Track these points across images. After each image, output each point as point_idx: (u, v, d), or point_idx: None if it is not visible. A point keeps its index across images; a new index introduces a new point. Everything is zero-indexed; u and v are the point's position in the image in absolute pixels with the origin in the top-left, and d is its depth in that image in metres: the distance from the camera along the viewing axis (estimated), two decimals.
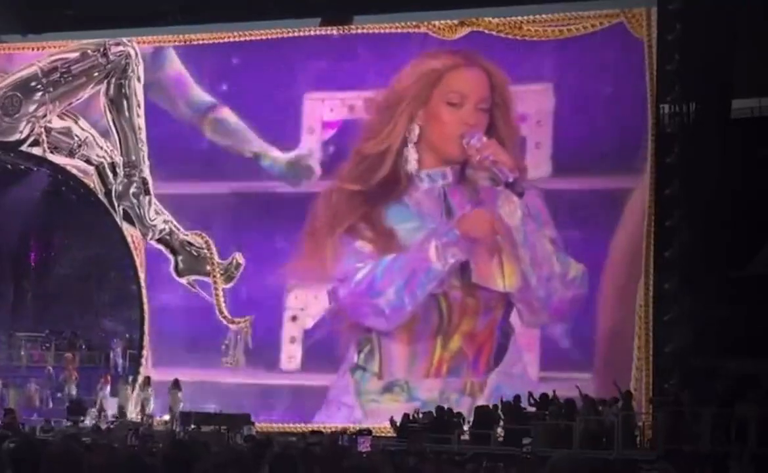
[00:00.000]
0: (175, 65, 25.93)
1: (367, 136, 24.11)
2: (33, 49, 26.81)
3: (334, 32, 25.35)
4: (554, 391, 20.45)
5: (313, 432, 19.90)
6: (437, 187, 23.58)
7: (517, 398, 20.62)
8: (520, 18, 23.65)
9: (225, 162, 25.16)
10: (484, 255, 22.92)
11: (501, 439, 19.68)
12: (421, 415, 21.58)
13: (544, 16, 23.59)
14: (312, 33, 25.43)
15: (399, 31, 24.76)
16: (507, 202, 22.65)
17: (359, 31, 25.37)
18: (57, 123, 25.96)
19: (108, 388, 24.17)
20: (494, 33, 23.83)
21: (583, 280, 22.16)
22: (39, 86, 25.87)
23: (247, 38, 25.83)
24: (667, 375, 20.61)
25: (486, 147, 22.92)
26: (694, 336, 19.91)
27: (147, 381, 24.10)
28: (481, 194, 23.26)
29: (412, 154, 23.63)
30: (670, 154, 21.64)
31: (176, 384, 23.59)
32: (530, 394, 20.68)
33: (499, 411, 20.46)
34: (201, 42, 26.15)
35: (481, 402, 21.59)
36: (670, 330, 20.67)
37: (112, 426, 22.37)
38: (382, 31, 24.89)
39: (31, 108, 25.85)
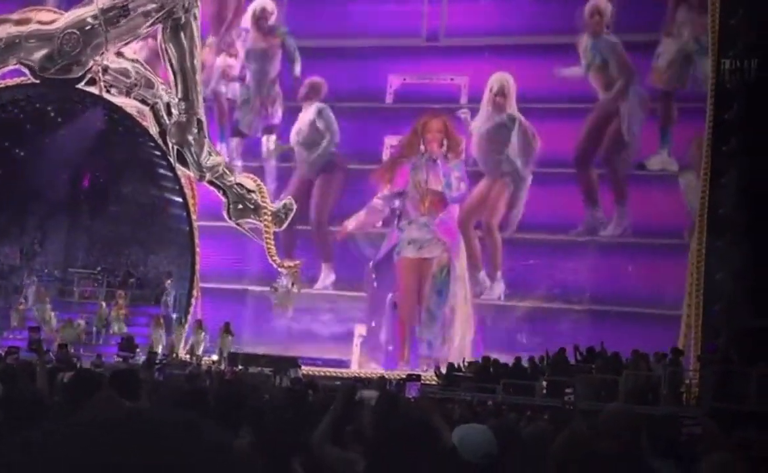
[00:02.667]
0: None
1: None
2: None
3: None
4: (602, 343, 20.35)
5: (359, 378, 20.05)
6: None
7: (563, 350, 20.57)
8: None
9: None
10: None
11: (545, 391, 19.66)
12: (467, 364, 21.66)
13: None
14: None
15: None
16: None
17: None
18: (114, 62, 26.04)
19: (161, 329, 24.41)
20: None
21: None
22: (97, 25, 25.89)
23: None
24: (716, 333, 20.48)
25: None
26: (744, 295, 19.73)
27: (199, 324, 24.33)
28: None
29: None
30: (728, 110, 21.34)
31: (227, 328, 23.80)
32: (576, 347, 20.63)
33: (545, 363, 20.46)
34: None
35: None
36: (720, 288, 20.51)
37: (162, 365, 22.64)
38: None
39: (89, 46, 25.90)
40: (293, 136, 25.80)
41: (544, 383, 19.61)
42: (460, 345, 23.74)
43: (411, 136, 24.93)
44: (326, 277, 25.20)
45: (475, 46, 24.55)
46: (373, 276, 24.81)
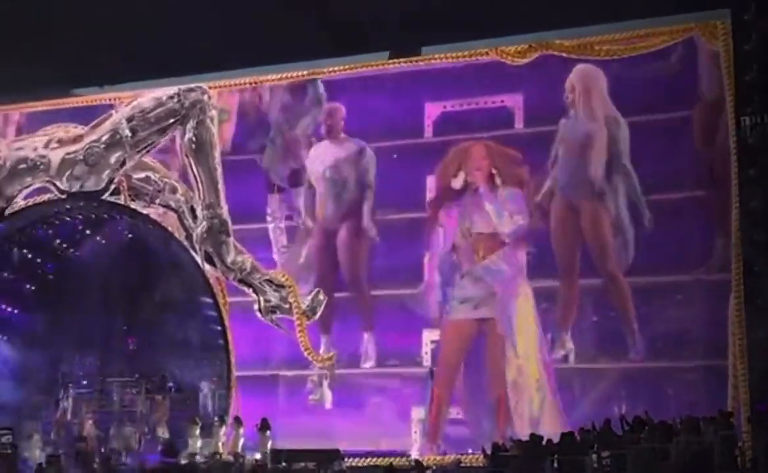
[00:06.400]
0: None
1: None
2: (110, 100, 27.43)
3: (403, 64, 25.38)
4: (646, 412, 20.15)
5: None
6: None
7: (608, 421, 20.35)
8: (590, 38, 23.60)
9: None
10: None
11: (595, 466, 19.41)
12: (512, 442, 21.45)
13: (614, 35, 23.52)
14: (381, 68, 25.55)
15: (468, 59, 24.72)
16: None
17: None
18: (136, 171, 26.44)
19: (198, 429, 24.37)
20: (565, 55, 23.79)
21: None
22: (117, 136, 26.39)
23: (317, 76, 26.07)
24: (762, 393, 20.33)
25: None
26: None
27: (238, 421, 24.27)
28: None
29: None
30: (753, 165, 21.38)
31: (265, 424, 23.68)
32: (622, 417, 20.43)
33: (592, 437, 20.23)
34: (271, 83, 26.52)
35: None
36: (762, 348, 20.38)
37: (206, 466, 22.62)
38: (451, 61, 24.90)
39: (111, 157, 26.38)
40: (320, 172, 25.25)
41: (594, 457, 19.38)
42: (534, 417, 22.29)
43: (444, 169, 23.61)
44: (368, 351, 24.21)
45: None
46: (429, 347, 23.57)
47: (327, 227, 25.16)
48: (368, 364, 24.37)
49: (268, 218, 25.59)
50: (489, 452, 21.01)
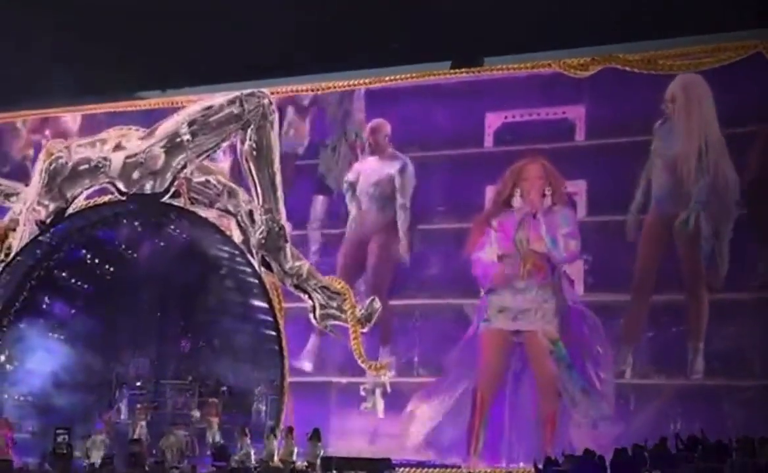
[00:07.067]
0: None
1: None
2: (172, 103, 27.77)
3: (464, 75, 25.33)
4: (702, 431, 19.85)
5: None
6: None
7: (663, 440, 20.08)
8: (654, 52, 23.33)
9: None
10: None
11: None
12: (563, 457, 21.22)
13: (679, 49, 23.25)
14: (442, 78, 25.49)
15: (529, 71, 24.59)
16: None
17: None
18: (196, 174, 26.67)
19: (248, 437, 24.35)
20: (627, 69, 23.56)
21: None
22: (178, 139, 26.70)
23: (378, 85, 26.10)
24: None
25: None
26: None
27: (290, 431, 24.13)
28: None
29: None
30: None
31: (316, 434, 23.56)
32: (677, 435, 20.14)
33: (645, 454, 19.96)
34: (332, 90, 26.59)
35: None
36: None
37: (257, 472, 22.65)
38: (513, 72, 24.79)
39: (172, 161, 26.66)
40: (368, 188, 25.49)
41: None
42: (583, 432, 21.93)
43: (501, 187, 23.60)
44: (418, 361, 24.19)
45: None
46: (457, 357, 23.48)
47: (371, 236, 25.28)
48: (419, 374, 24.27)
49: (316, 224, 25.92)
50: (540, 466, 20.85)
